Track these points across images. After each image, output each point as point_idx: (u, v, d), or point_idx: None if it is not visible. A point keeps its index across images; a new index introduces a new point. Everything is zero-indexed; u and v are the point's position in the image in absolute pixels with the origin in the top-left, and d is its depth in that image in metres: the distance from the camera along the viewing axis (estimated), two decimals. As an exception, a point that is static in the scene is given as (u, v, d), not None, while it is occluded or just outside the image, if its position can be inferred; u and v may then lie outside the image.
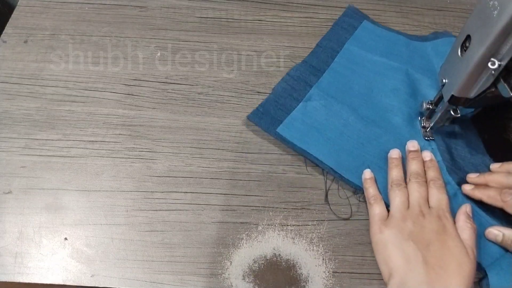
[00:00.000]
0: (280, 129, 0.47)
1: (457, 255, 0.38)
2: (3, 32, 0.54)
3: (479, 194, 0.43)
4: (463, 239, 0.39)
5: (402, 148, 0.46)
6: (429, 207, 0.41)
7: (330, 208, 0.44)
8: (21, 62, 0.52)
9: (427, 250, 0.38)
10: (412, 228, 0.40)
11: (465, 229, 0.40)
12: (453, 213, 0.42)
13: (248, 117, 0.48)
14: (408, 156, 0.45)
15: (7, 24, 0.55)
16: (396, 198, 0.42)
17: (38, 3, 0.57)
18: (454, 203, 0.43)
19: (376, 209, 0.42)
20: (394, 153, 0.46)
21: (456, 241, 0.39)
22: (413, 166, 0.44)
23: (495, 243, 0.41)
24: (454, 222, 0.41)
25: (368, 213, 0.43)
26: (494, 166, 0.45)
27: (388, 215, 0.42)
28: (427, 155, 0.46)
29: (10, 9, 0.58)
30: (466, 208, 0.42)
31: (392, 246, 0.39)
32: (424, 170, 0.44)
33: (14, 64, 0.52)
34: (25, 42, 0.54)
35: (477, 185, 0.44)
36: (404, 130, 0.48)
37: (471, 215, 0.42)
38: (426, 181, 0.43)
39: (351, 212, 0.44)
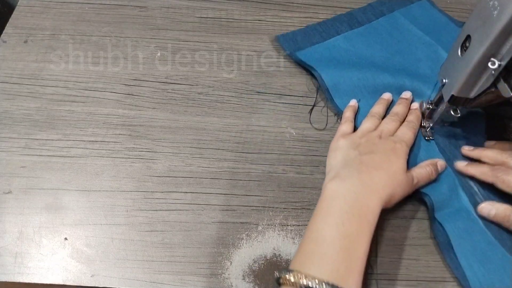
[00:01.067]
0: (299, 53, 0.53)
1: (395, 168, 0.40)
2: (3, 32, 0.54)
3: (472, 170, 0.43)
4: (414, 170, 0.42)
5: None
6: (391, 136, 0.44)
7: (310, 120, 0.49)
8: (21, 62, 0.52)
9: (368, 156, 0.41)
10: (364, 143, 0.42)
11: (422, 167, 0.42)
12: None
13: (277, 37, 0.55)
14: (397, 102, 0.48)
15: (7, 24, 0.55)
16: (365, 124, 0.45)
17: (38, 3, 0.57)
18: (456, 202, 0.43)
19: (343, 126, 0.46)
20: (386, 95, 0.49)
21: (401, 161, 0.41)
22: (396, 108, 0.47)
23: (486, 218, 0.41)
24: (407, 158, 0.43)
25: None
26: (489, 143, 0.46)
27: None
28: (414, 104, 0.48)
29: (10, 9, 0.58)
30: (437, 161, 0.44)
31: (339, 151, 0.43)
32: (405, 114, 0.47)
33: (14, 64, 0.52)
34: (25, 42, 0.54)
35: (470, 162, 0.45)
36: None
37: (439, 169, 0.44)
38: (400, 122, 0.46)
39: (326, 124, 0.49)
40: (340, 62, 0.52)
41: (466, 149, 0.45)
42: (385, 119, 0.46)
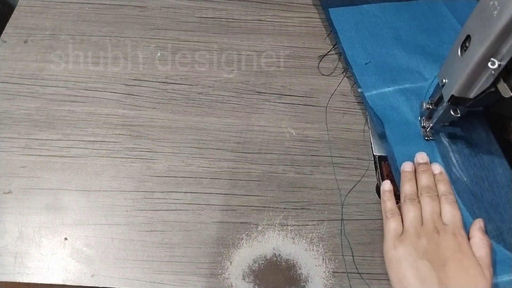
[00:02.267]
0: (331, 11, 0.55)
1: (473, 276, 0.37)
2: (3, 32, 0.54)
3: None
4: (479, 256, 0.38)
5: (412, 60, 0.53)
6: (443, 223, 0.40)
7: (318, 66, 0.53)
8: (21, 62, 0.52)
9: (443, 270, 0.37)
10: (426, 245, 0.39)
11: (481, 247, 0.39)
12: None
13: None
14: (418, 169, 0.45)
15: (7, 24, 0.55)
16: (410, 213, 0.41)
17: (38, 3, 0.57)
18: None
19: (392, 224, 0.41)
20: (407, 167, 0.45)
21: (472, 261, 0.38)
22: (424, 179, 0.44)
23: None
24: (469, 239, 0.40)
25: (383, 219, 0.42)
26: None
27: (402, 231, 0.41)
28: (436, 167, 0.45)
29: (10, 9, 0.58)
30: (480, 224, 0.41)
31: (406, 264, 0.38)
32: (435, 183, 0.44)
33: (14, 64, 0.52)
34: (25, 42, 0.54)
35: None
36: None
37: (484, 229, 0.41)
38: (437, 195, 0.43)
39: (333, 71, 0.52)
40: (366, 27, 0.55)
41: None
42: (424, 200, 0.42)
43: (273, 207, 0.44)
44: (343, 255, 0.42)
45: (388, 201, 0.43)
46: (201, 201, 0.44)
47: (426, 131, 0.47)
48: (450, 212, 0.41)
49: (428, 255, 0.38)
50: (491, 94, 0.39)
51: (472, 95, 0.40)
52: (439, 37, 0.55)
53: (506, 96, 0.36)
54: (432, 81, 0.50)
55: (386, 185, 0.44)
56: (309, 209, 0.44)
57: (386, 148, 0.47)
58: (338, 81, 0.53)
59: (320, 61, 0.53)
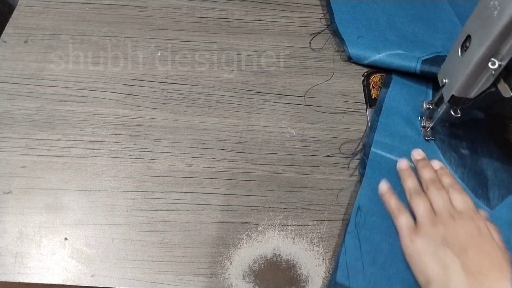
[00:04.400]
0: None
1: (496, 259, 0.36)
2: (3, 32, 0.54)
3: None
4: (500, 241, 0.38)
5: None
6: (457, 210, 0.39)
7: (310, 43, 0.53)
8: (21, 62, 0.52)
9: (465, 255, 0.36)
10: (444, 232, 0.38)
11: (493, 231, 0.39)
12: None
13: None
14: (418, 165, 0.44)
15: (7, 24, 0.55)
16: (420, 206, 0.40)
17: (38, 3, 0.57)
18: None
19: (403, 219, 0.40)
20: (403, 164, 0.44)
21: (493, 243, 0.37)
22: (426, 174, 0.43)
23: None
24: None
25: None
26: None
27: (415, 225, 0.40)
28: (436, 164, 0.44)
29: (10, 9, 0.58)
30: (484, 213, 0.41)
31: (426, 254, 0.37)
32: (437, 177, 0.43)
33: (14, 64, 0.52)
34: (25, 42, 0.54)
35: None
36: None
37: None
38: (443, 187, 0.42)
39: (323, 45, 0.53)
40: (363, 11, 0.56)
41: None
42: (432, 193, 0.41)
43: (273, 207, 0.44)
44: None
45: (391, 200, 0.42)
46: (201, 201, 0.44)
47: (426, 131, 0.47)
48: (462, 199, 0.40)
49: (447, 242, 0.37)
50: (491, 94, 0.39)
51: (472, 95, 0.40)
52: (434, 26, 0.55)
53: (507, 96, 0.36)
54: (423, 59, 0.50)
55: (384, 186, 0.43)
56: (309, 209, 0.44)
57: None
58: (335, 74, 0.53)
59: (312, 39, 0.53)
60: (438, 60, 0.49)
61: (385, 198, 0.43)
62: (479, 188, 0.45)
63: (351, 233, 0.41)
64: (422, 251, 0.38)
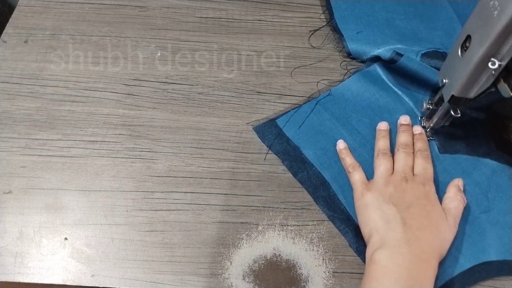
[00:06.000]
0: (279, 121, 0.48)
1: (436, 219, 0.39)
2: (3, 32, 0.54)
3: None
4: (448, 208, 0.40)
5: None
6: (414, 174, 0.42)
7: (309, 39, 0.54)
8: (21, 62, 0.52)
9: (407, 212, 0.39)
10: (393, 192, 0.40)
11: (453, 200, 0.41)
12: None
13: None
14: (399, 129, 0.46)
15: (7, 24, 0.55)
16: (381, 165, 0.43)
17: (38, 3, 0.57)
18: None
19: (356, 175, 0.43)
20: (383, 125, 0.47)
21: (436, 207, 0.40)
22: (403, 137, 0.45)
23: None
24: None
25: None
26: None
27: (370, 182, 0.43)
28: (417, 128, 0.47)
29: (10, 9, 0.58)
30: (458, 182, 0.43)
31: (372, 208, 0.40)
32: (413, 143, 0.45)
33: (14, 64, 0.52)
34: (25, 42, 0.54)
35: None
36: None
37: (462, 189, 0.43)
38: (413, 153, 0.44)
39: (322, 42, 0.54)
40: (362, 9, 0.56)
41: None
42: (399, 155, 0.44)
43: (273, 207, 0.44)
44: (343, 255, 0.42)
45: (346, 157, 0.45)
46: (201, 201, 0.44)
47: (426, 131, 0.47)
48: (422, 165, 0.43)
49: (393, 200, 0.40)
50: (491, 94, 0.39)
51: (472, 95, 0.40)
52: (433, 24, 0.55)
53: (506, 96, 0.36)
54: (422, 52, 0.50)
55: (341, 144, 0.46)
56: (309, 209, 0.44)
57: None
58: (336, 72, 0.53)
59: (310, 36, 0.54)
60: (438, 55, 0.50)
61: (341, 155, 0.45)
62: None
63: (311, 103, 0.49)
64: (370, 205, 0.40)
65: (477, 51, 0.36)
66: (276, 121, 0.48)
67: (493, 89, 0.38)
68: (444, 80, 0.42)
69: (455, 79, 0.40)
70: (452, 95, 0.40)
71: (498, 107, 0.50)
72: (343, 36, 0.53)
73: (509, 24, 0.33)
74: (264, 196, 0.44)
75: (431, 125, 0.47)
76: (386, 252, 0.37)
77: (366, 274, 0.37)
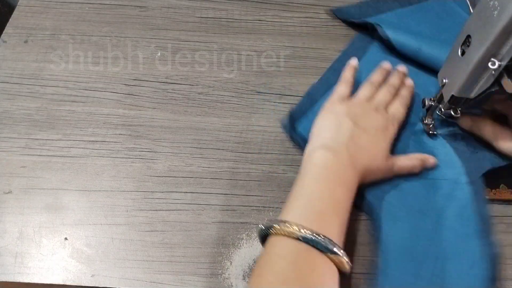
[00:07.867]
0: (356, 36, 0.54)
1: (378, 148, 0.42)
2: (3, 32, 0.54)
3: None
4: (399, 158, 0.42)
5: None
6: (386, 111, 0.45)
7: None
8: (21, 62, 0.52)
9: (360, 132, 0.41)
10: (359, 112, 0.43)
11: (409, 159, 0.43)
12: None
13: (332, 10, 0.58)
14: (393, 72, 0.49)
15: (7, 24, 0.55)
16: (364, 91, 0.46)
17: (38, 3, 0.57)
18: (461, 196, 0.43)
19: (341, 88, 0.46)
20: (386, 65, 0.49)
21: (386, 143, 0.42)
22: (392, 79, 0.48)
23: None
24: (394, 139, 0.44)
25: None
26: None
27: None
28: (409, 81, 0.49)
29: (10, 9, 0.58)
30: (428, 158, 0.44)
31: (334, 115, 0.43)
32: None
33: (14, 64, 0.52)
34: (25, 42, 0.54)
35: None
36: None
37: (427, 166, 0.44)
38: (395, 94, 0.47)
39: None
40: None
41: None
42: (382, 90, 0.46)
43: (273, 207, 0.44)
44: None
45: (348, 72, 0.47)
46: (201, 201, 0.44)
47: (429, 127, 0.47)
48: (396, 107, 0.45)
49: (355, 118, 0.42)
50: (491, 94, 0.39)
51: (472, 95, 0.40)
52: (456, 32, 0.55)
53: (510, 92, 0.36)
54: None
55: (354, 61, 0.48)
56: (309, 209, 0.44)
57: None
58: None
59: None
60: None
61: (346, 67, 0.48)
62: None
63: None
64: (332, 113, 0.43)
65: (477, 51, 0.36)
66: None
67: (493, 89, 0.38)
68: (444, 80, 0.42)
69: (455, 79, 0.40)
70: (452, 95, 0.41)
71: (498, 107, 0.49)
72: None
73: (509, 24, 0.33)
74: (264, 196, 0.44)
75: (433, 122, 0.47)
76: (327, 153, 0.40)
77: (305, 163, 0.40)
